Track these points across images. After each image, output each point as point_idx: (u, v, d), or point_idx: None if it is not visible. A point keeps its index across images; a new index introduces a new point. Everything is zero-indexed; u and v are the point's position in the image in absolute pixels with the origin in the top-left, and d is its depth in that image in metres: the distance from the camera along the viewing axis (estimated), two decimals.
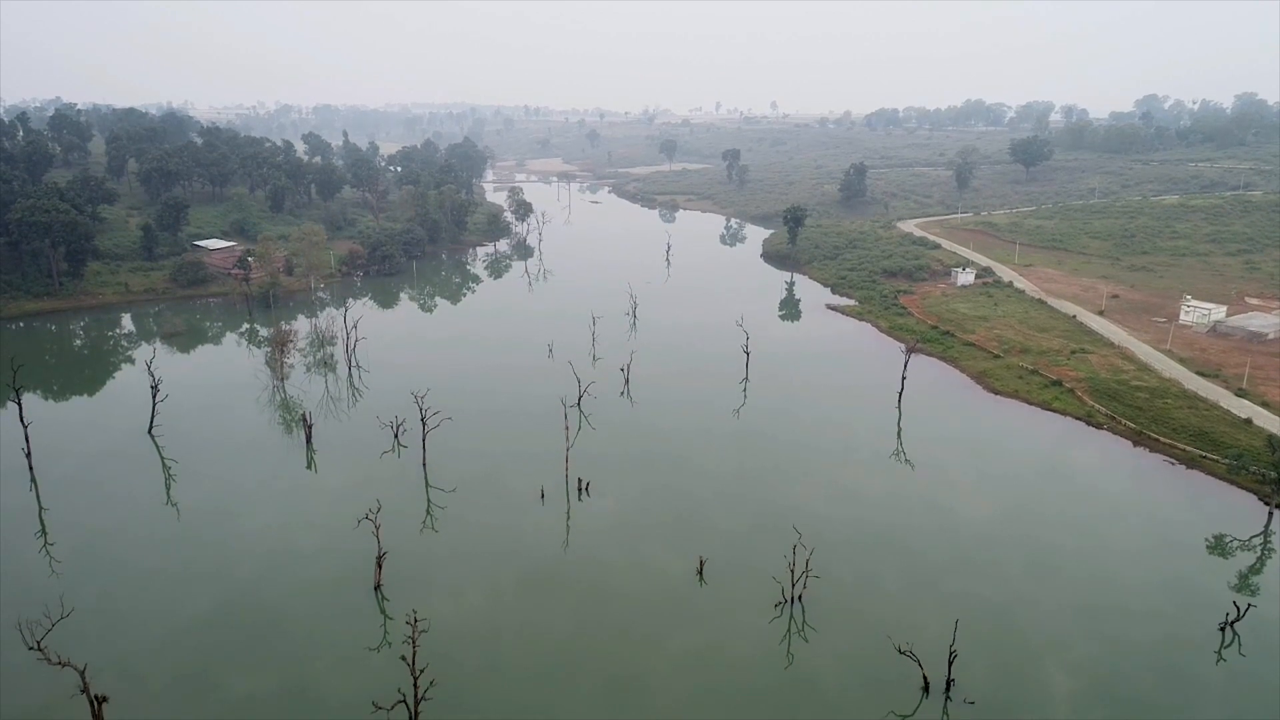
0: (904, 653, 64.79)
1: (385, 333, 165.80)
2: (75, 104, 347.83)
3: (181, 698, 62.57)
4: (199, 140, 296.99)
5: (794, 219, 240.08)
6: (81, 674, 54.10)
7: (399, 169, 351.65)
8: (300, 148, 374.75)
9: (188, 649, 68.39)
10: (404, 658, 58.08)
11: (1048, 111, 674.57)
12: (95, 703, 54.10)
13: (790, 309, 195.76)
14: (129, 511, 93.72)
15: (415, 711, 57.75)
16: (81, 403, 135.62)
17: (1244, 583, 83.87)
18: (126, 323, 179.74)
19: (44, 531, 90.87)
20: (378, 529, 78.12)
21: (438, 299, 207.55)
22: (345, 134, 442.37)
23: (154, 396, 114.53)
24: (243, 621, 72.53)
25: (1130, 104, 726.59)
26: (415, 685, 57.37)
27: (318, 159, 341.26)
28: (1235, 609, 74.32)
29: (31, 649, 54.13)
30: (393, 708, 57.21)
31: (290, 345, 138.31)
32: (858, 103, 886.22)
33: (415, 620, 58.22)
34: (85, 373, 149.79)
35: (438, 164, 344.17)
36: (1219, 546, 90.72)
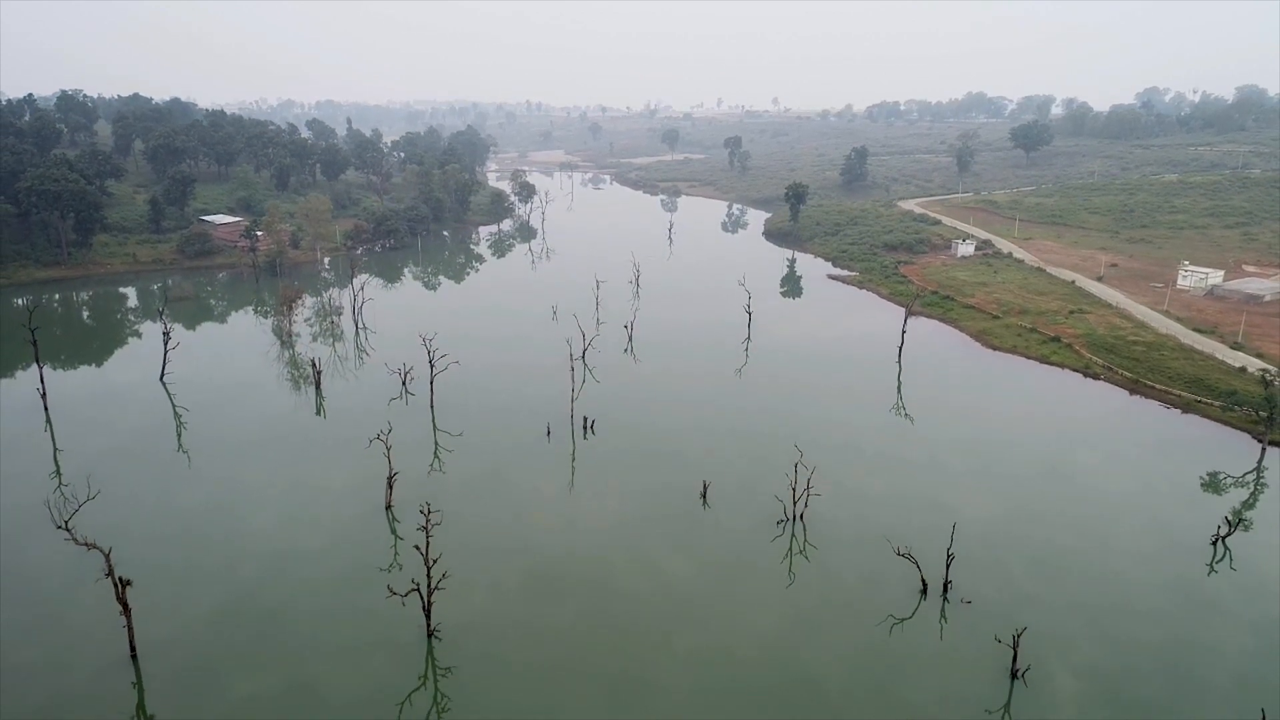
0: (902, 554, 66.56)
1: (391, 305, 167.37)
2: (82, 89, 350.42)
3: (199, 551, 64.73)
4: (204, 121, 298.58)
5: (795, 196, 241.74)
6: (107, 556, 55.95)
7: (403, 155, 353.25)
8: (305, 134, 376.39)
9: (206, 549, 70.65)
10: (417, 547, 59.97)
11: (1048, 104, 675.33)
12: (119, 585, 55.89)
13: (792, 281, 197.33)
14: (141, 449, 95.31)
15: (429, 602, 59.58)
16: (94, 353, 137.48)
17: (1238, 516, 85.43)
18: (135, 289, 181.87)
19: (58, 472, 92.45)
20: (388, 450, 79.99)
21: (443, 273, 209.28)
22: (349, 121, 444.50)
23: (165, 344, 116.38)
24: (260, 545, 74.70)
25: (1131, 97, 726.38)
26: (429, 575, 59.22)
27: (322, 143, 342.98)
28: (1227, 523, 76.25)
29: (59, 528, 56.04)
30: (407, 594, 59.17)
31: (298, 302, 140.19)
32: (859, 98, 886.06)
33: (429, 511, 60.05)
34: (97, 331, 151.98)
35: (441, 149, 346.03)
36: (1214, 484, 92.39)
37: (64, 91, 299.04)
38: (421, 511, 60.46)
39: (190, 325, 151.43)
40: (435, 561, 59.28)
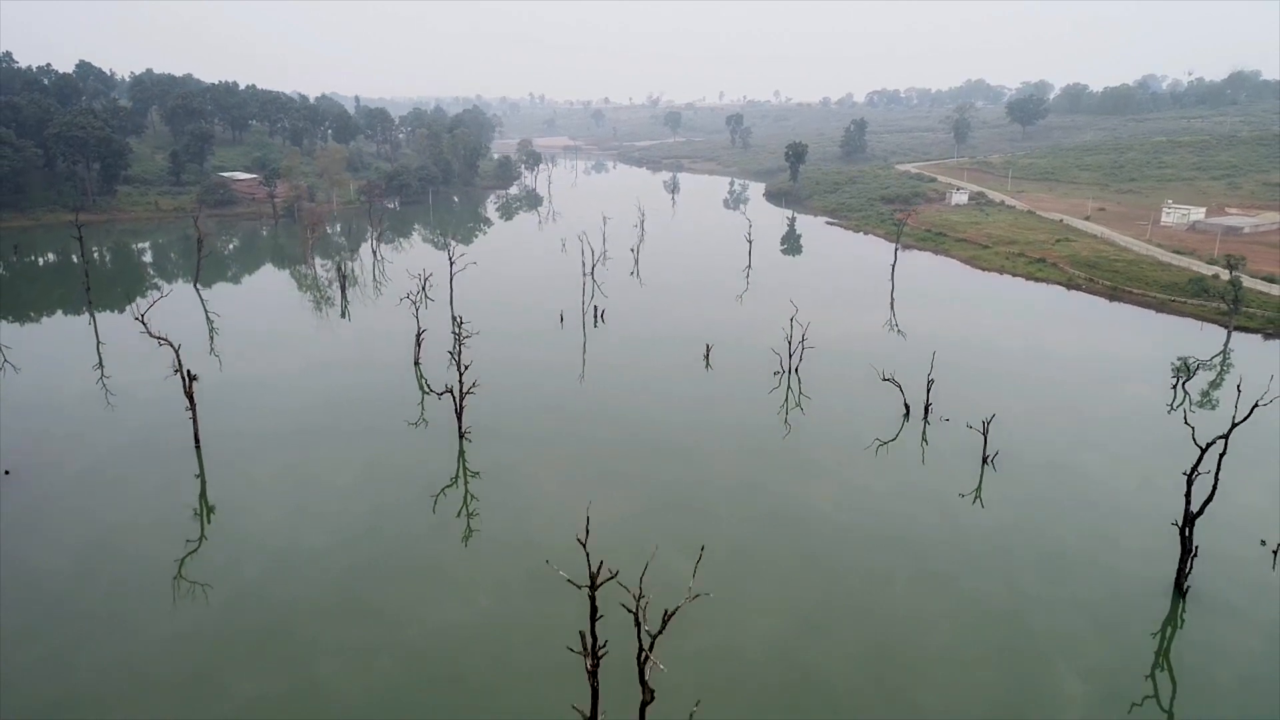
0: (887, 379, 73.33)
1: (406, 250, 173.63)
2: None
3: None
4: (220, 87, 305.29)
5: (795, 156, 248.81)
6: (176, 352, 62.87)
7: (410, 129, 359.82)
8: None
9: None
10: (450, 351, 66.86)
11: (1047, 91, 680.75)
12: (187, 378, 62.72)
13: (792, 231, 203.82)
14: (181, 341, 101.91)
15: (460, 406, 66.41)
16: (130, 272, 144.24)
17: (1206, 398, 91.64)
18: (159, 235, 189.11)
19: (101, 364, 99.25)
20: (416, 311, 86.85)
21: (455, 229, 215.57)
22: (358, 99, 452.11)
23: (199, 249, 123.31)
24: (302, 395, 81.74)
25: (1129, 83, 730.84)
26: (460, 380, 66.05)
27: (334, 110, 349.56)
28: (1186, 369, 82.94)
29: (136, 319, 62.95)
30: (442, 395, 66.08)
31: (321, 228, 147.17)
32: (859, 88, 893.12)
33: (461, 322, 66.92)
34: (129, 261, 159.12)
35: (449, 120, 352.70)
36: (1184, 366, 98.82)
37: (83, 61, 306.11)
38: (454, 318, 67.50)
39: (216, 258, 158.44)
40: (467, 368, 66.17)
